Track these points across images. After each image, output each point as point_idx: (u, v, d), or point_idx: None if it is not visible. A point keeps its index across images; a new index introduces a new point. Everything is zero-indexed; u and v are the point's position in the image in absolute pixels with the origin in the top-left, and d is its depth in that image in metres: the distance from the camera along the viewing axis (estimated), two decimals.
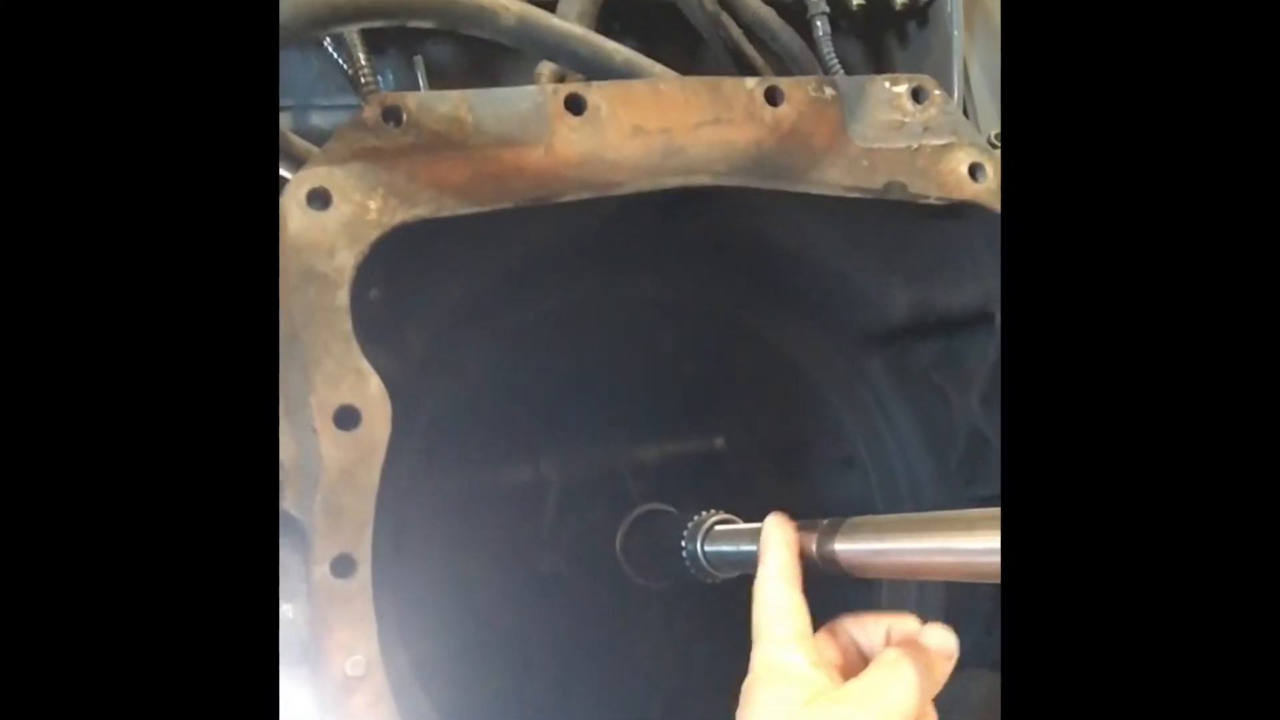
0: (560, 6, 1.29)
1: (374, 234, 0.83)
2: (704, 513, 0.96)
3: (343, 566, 0.78)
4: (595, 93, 0.91)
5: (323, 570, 0.78)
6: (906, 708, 0.65)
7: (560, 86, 0.91)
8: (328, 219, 0.82)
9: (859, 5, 1.52)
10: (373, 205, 0.83)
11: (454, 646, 1.15)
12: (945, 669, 0.70)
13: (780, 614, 0.72)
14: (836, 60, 1.44)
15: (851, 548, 0.77)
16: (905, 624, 0.75)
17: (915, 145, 1.00)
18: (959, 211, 1.02)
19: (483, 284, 1.07)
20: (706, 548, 0.94)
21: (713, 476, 1.44)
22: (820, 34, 1.45)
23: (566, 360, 1.30)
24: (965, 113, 1.57)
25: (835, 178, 0.97)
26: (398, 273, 0.91)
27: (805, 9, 1.47)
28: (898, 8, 1.55)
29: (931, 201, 1.00)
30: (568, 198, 0.89)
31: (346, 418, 0.80)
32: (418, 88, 1.32)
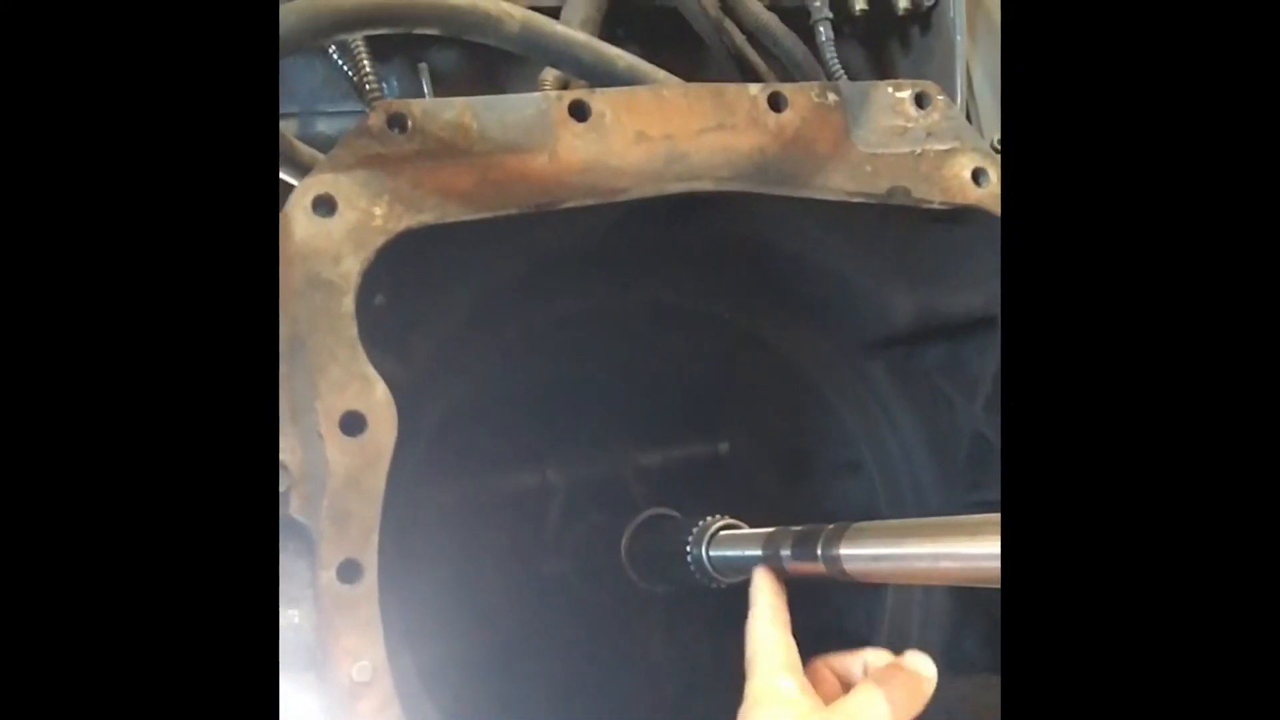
0: (564, 13, 1.29)
1: (379, 240, 0.83)
2: (709, 517, 0.96)
3: (349, 572, 0.78)
4: (599, 99, 0.92)
5: (329, 576, 0.78)
6: None
7: (564, 93, 0.91)
8: (333, 226, 0.83)
9: (862, 11, 1.52)
10: (378, 212, 0.84)
11: (459, 651, 1.15)
12: (926, 690, 0.76)
13: (771, 649, 0.78)
14: (839, 66, 1.44)
15: (856, 553, 0.78)
16: (880, 655, 0.82)
17: (918, 150, 1.00)
18: (962, 216, 1.02)
19: (488, 290, 1.07)
20: (711, 552, 0.94)
21: (717, 481, 1.44)
22: (823, 39, 1.46)
23: (571, 365, 1.30)
24: (968, 117, 1.57)
25: (839, 183, 0.98)
26: (403, 279, 0.92)
27: (808, 15, 1.47)
28: (900, 13, 1.56)
29: (935, 206, 1.00)
30: (572, 204, 0.90)
31: (352, 423, 0.80)
32: (422, 94, 1.33)
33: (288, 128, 1.29)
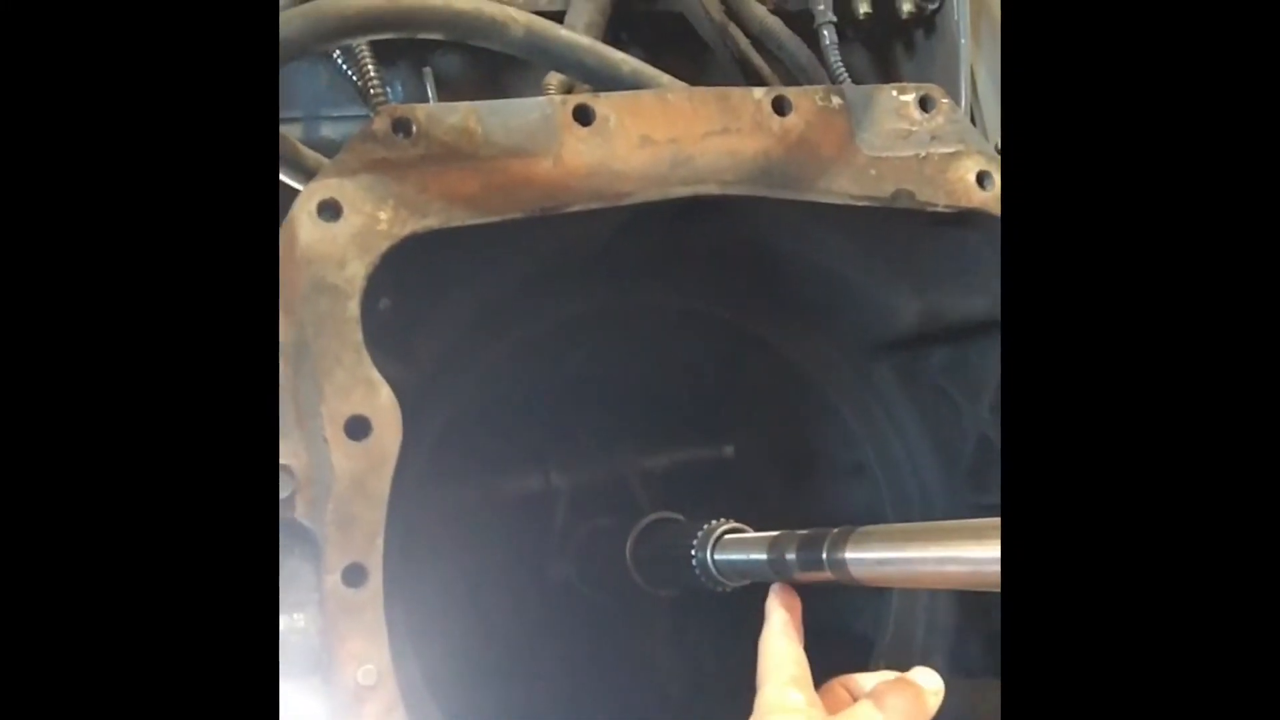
0: (568, 18, 1.30)
1: (384, 245, 0.83)
2: (713, 521, 0.96)
3: (354, 576, 0.78)
4: (603, 103, 0.92)
5: (334, 580, 0.78)
6: None
7: (568, 97, 0.91)
8: (338, 230, 0.83)
9: (866, 14, 1.52)
10: (383, 216, 0.84)
11: (464, 655, 1.15)
12: (931, 703, 0.77)
13: (783, 662, 0.78)
14: (844, 69, 1.44)
15: (861, 557, 0.78)
16: (889, 676, 0.82)
17: (923, 153, 1.00)
18: (967, 219, 1.02)
19: (492, 294, 1.08)
20: (716, 556, 0.94)
21: (722, 485, 1.44)
22: (827, 43, 1.46)
23: (576, 369, 1.30)
24: (972, 120, 1.57)
25: (843, 186, 0.98)
26: (408, 283, 0.92)
27: (812, 19, 1.47)
28: (904, 17, 1.56)
29: (939, 209, 1.00)
30: (576, 208, 0.90)
31: (357, 428, 0.81)
32: (427, 99, 1.33)
33: (292, 132, 1.30)
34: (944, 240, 1.07)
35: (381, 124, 0.86)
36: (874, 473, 1.37)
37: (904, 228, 1.05)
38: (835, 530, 0.80)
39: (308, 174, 1.02)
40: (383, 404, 0.81)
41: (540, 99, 0.91)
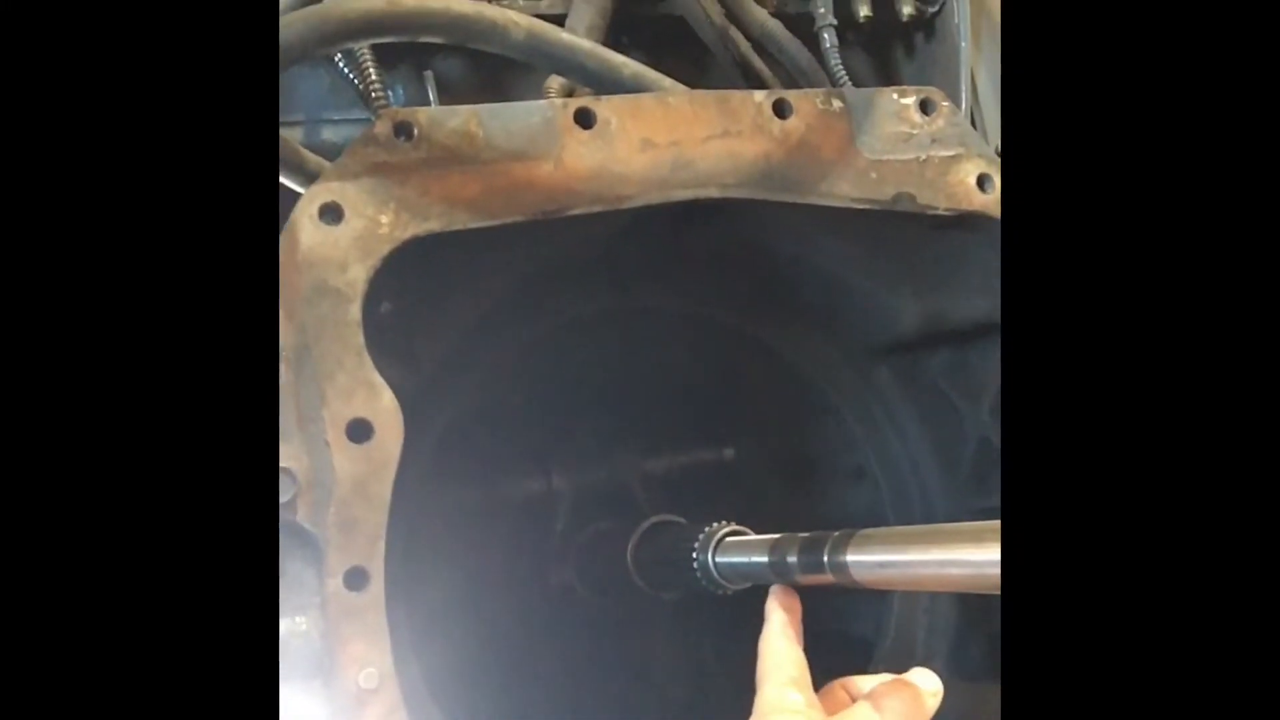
0: (569, 21, 1.30)
1: (386, 248, 0.84)
2: (715, 524, 0.96)
3: (356, 579, 0.79)
4: (604, 106, 0.92)
5: (336, 583, 0.78)
6: None
7: (569, 101, 0.92)
8: (340, 234, 0.83)
9: (866, 18, 1.52)
10: (384, 220, 0.84)
11: (466, 658, 1.15)
12: (929, 704, 0.78)
13: (782, 662, 0.79)
14: (844, 72, 1.44)
15: (862, 559, 0.78)
16: (888, 678, 0.82)
17: (923, 157, 1.00)
18: (967, 222, 1.02)
19: (494, 297, 1.08)
20: (717, 559, 0.94)
21: (723, 488, 1.44)
22: (827, 46, 1.46)
23: (577, 373, 1.30)
24: (973, 124, 1.57)
25: (844, 189, 0.98)
26: (409, 286, 0.92)
27: (812, 22, 1.47)
28: (904, 20, 1.56)
29: (940, 212, 1.00)
30: (578, 211, 0.90)
31: (359, 431, 0.81)
32: (428, 103, 1.33)
33: (294, 136, 1.30)
34: (944, 243, 1.07)
35: (383, 127, 0.86)
36: (875, 475, 1.37)
37: (904, 231, 1.05)
38: (836, 533, 0.80)
39: (309, 177, 1.02)
40: (384, 407, 0.81)
41: (541, 102, 0.91)
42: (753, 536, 0.94)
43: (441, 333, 1.06)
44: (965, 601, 1.28)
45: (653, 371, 1.36)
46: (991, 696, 1.10)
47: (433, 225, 0.85)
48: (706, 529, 0.96)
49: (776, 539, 0.87)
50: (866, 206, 0.99)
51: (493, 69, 1.37)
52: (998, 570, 0.63)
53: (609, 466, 1.38)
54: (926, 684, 0.79)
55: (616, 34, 1.35)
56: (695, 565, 0.95)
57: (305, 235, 0.82)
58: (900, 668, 0.84)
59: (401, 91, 1.35)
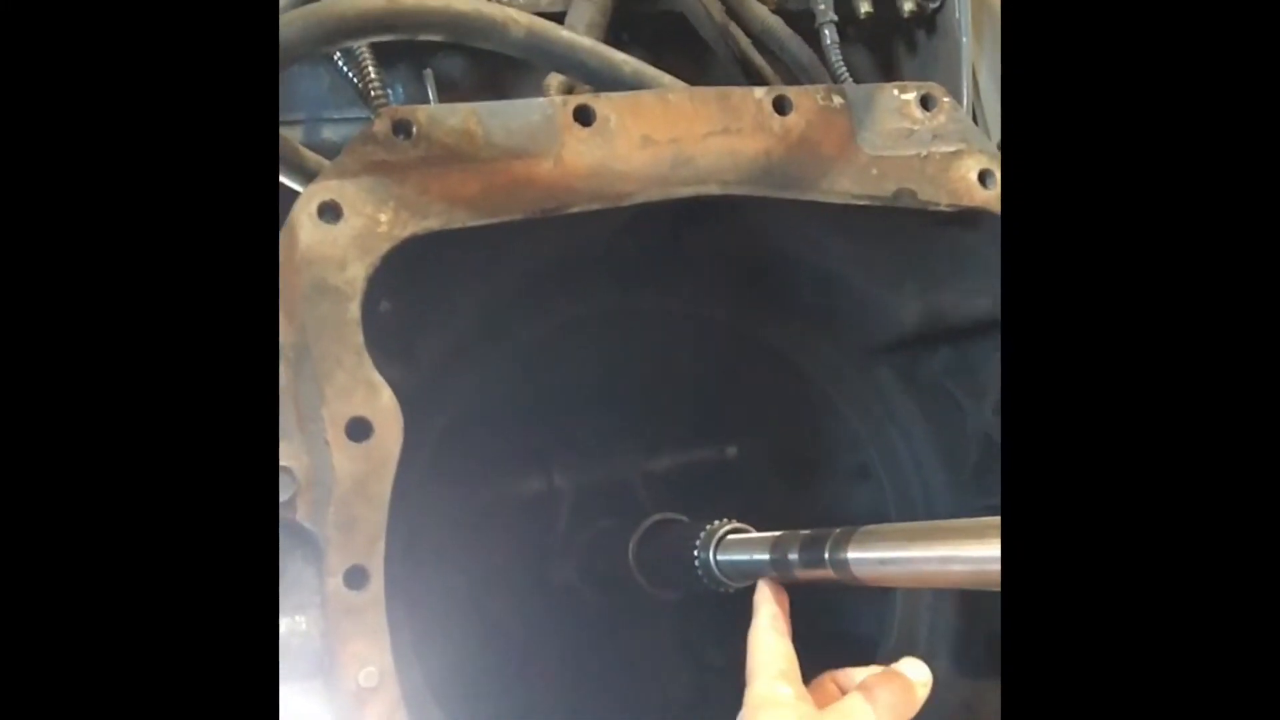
0: (569, 18, 1.30)
1: (385, 247, 0.83)
2: (716, 522, 0.96)
3: (356, 578, 0.78)
4: (604, 104, 0.92)
5: (336, 582, 0.78)
6: None
7: (569, 98, 0.91)
8: (339, 232, 0.83)
9: (867, 14, 1.52)
10: (383, 218, 0.84)
11: (467, 657, 1.15)
12: (921, 694, 0.78)
13: (772, 656, 0.79)
14: (845, 69, 1.44)
15: (863, 556, 0.77)
16: (878, 670, 0.83)
17: (924, 153, 1.00)
18: (969, 219, 1.02)
19: (494, 295, 1.07)
20: (719, 557, 0.94)
21: (725, 486, 1.43)
22: (828, 43, 1.45)
23: (578, 371, 1.30)
24: (974, 119, 1.57)
25: (845, 186, 0.97)
26: (409, 285, 0.92)
27: (813, 18, 1.47)
28: (906, 16, 1.55)
29: (942, 209, 1.00)
30: (578, 209, 0.90)
31: (358, 429, 0.80)
32: (427, 101, 1.33)
33: (294, 135, 1.30)
34: (946, 240, 1.07)
35: (382, 125, 0.86)
36: (877, 474, 1.36)
37: (906, 227, 1.05)
38: (838, 530, 0.80)
39: (309, 176, 1.02)
40: (384, 406, 0.81)
41: (541, 100, 0.91)
42: (754, 534, 0.94)
43: (441, 331, 1.05)
44: (968, 599, 1.28)
45: (654, 369, 1.36)
46: (994, 694, 1.10)
47: (432, 223, 0.85)
48: (708, 527, 0.96)
49: (778, 536, 0.87)
50: (867, 203, 0.98)
51: (493, 67, 1.37)
52: (998, 567, 0.63)
53: (610, 465, 1.38)
54: (916, 674, 0.79)
55: (616, 31, 1.35)
56: (697, 563, 0.95)
57: (304, 234, 0.82)
58: None
59: (401, 90, 1.35)
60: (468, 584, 1.26)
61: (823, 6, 1.47)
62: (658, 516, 1.18)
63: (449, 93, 1.35)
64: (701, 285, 1.25)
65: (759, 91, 0.97)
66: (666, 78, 1.08)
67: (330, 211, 0.83)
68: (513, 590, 1.34)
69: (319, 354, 0.81)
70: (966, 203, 1.00)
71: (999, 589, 0.63)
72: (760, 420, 1.44)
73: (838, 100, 0.99)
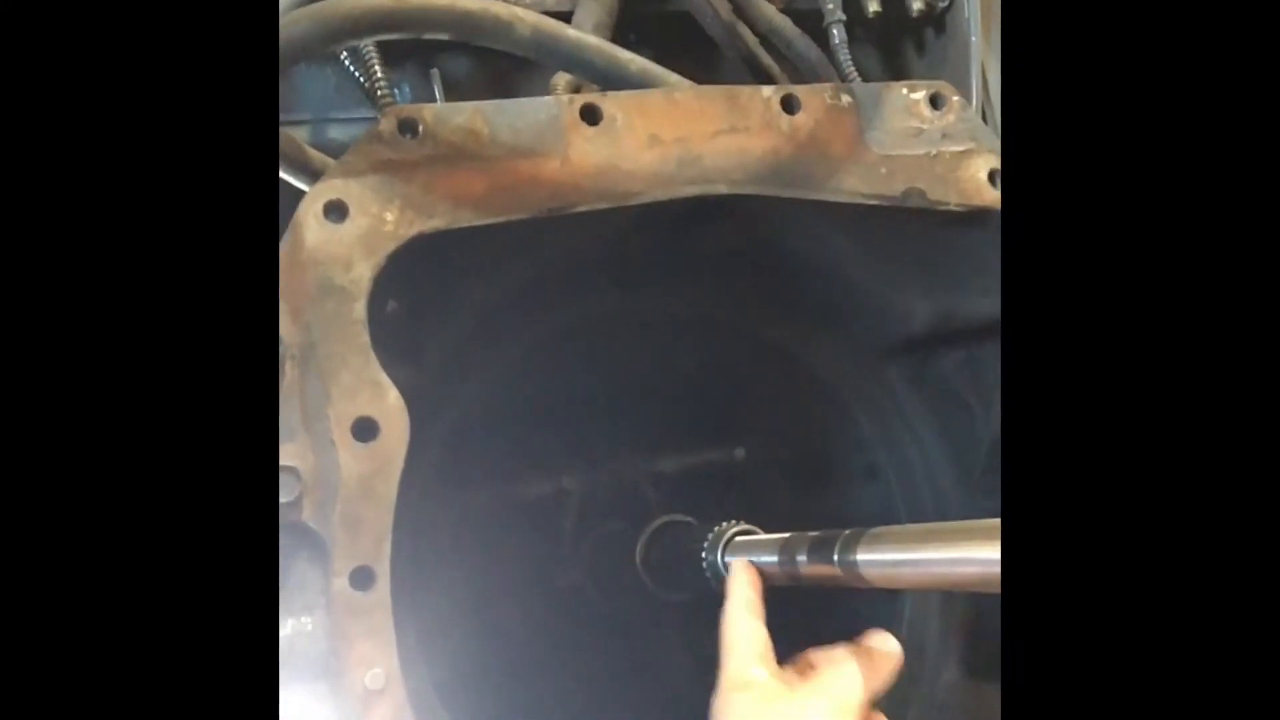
0: (576, 17, 1.29)
1: (391, 246, 0.83)
2: (724, 524, 0.96)
3: (362, 579, 0.78)
4: (611, 102, 0.91)
5: (342, 583, 0.77)
6: (854, 698, 0.75)
7: (575, 97, 0.91)
8: (345, 231, 0.82)
9: (875, 13, 1.51)
10: (389, 217, 0.84)
11: (474, 659, 1.14)
12: (890, 666, 0.79)
13: (745, 638, 0.80)
14: (853, 68, 1.43)
15: (872, 558, 0.77)
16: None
17: (934, 152, 0.99)
18: (978, 218, 1.01)
19: (501, 295, 1.07)
20: (727, 559, 0.93)
21: (733, 487, 1.43)
22: (837, 42, 1.44)
23: (586, 371, 1.29)
24: (984, 119, 1.56)
25: (853, 185, 0.97)
26: (415, 285, 0.91)
27: (821, 17, 1.46)
28: (914, 15, 1.54)
29: (951, 208, 0.99)
30: (584, 208, 0.89)
31: (364, 429, 0.80)
32: (434, 100, 1.33)
33: (300, 134, 1.29)
34: (955, 240, 1.06)
35: (388, 124, 0.85)
36: (886, 476, 1.36)
37: (915, 227, 1.04)
38: (847, 532, 0.80)
39: (315, 176, 1.01)
40: (390, 406, 0.81)
41: (547, 99, 0.90)
42: (762, 536, 0.93)
43: (448, 331, 1.05)
44: (979, 603, 1.27)
45: (662, 370, 1.36)
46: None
47: (438, 223, 0.85)
48: (716, 529, 0.96)
49: (786, 538, 0.86)
50: (876, 202, 0.98)
51: (500, 67, 1.37)
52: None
53: (618, 467, 1.38)
54: (885, 646, 0.80)
55: (624, 31, 1.34)
56: (704, 565, 0.95)
57: (310, 233, 0.82)
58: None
59: (408, 89, 1.35)
60: (474, 586, 1.26)
61: (831, 6, 1.46)
62: (665, 518, 1.18)
63: (455, 92, 1.35)
64: (709, 285, 1.25)
65: (767, 90, 0.97)
66: (674, 77, 1.07)
67: (336, 211, 0.83)
68: (519, 592, 1.33)
69: (325, 353, 0.80)
70: (976, 202, 0.99)
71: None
72: (768, 421, 1.43)
73: (846, 99, 0.98)
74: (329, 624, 0.77)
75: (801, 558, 0.82)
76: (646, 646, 1.39)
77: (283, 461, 0.78)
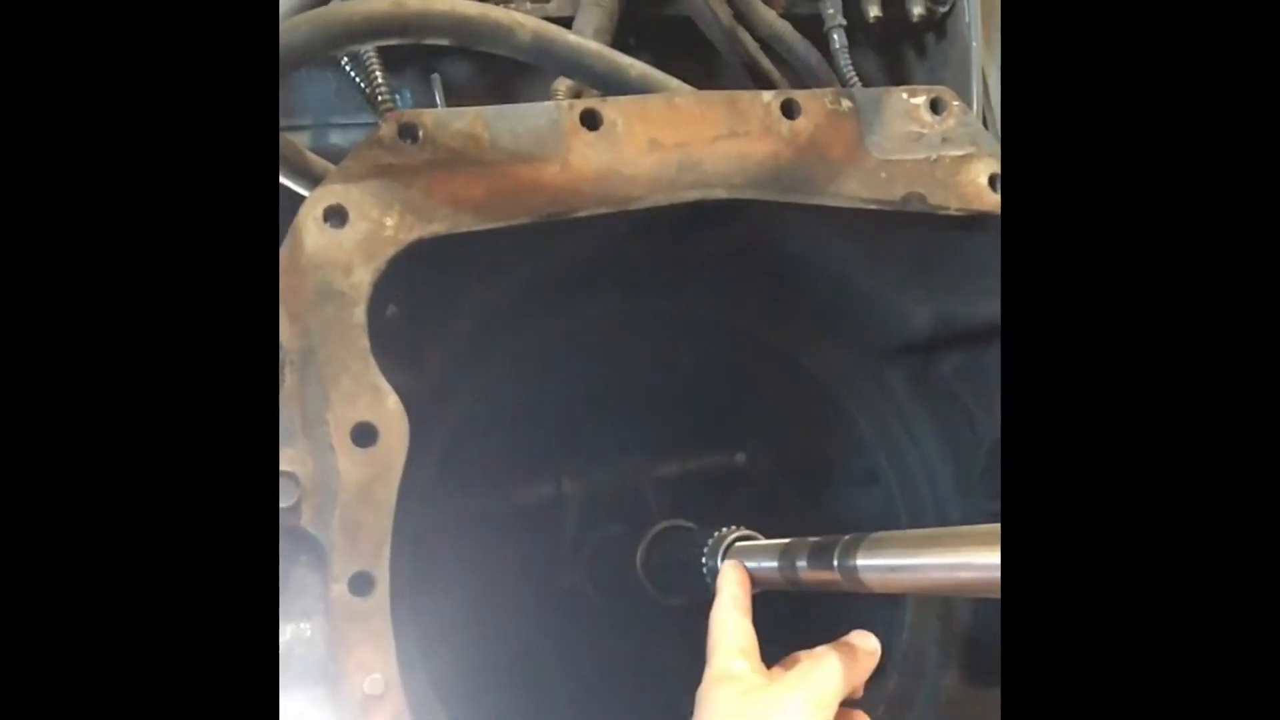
0: (576, 22, 1.29)
1: (391, 251, 0.83)
2: (725, 528, 0.95)
3: (361, 584, 0.78)
4: (611, 107, 0.91)
5: (341, 588, 0.77)
6: (832, 690, 0.76)
7: (576, 102, 0.91)
8: (345, 236, 0.82)
9: (876, 18, 1.51)
10: (389, 222, 0.84)
11: (473, 665, 1.14)
12: (869, 662, 0.79)
13: (730, 634, 0.81)
14: (854, 73, 1.44)
15: (872, 563, 0.77)
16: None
17: (934, 156, 0.99)
18: (978, 223, 1.01)
19: (501, 300, 1.07)
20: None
21: (734, 492, 1.43)
22: (837, 47, 1.45)
23: (586, 376, 1.29)
24: (984, 124, 1.56)
25: (853, 190, 0.97)
26: (415, 289, 0.91)
27: (822, 22, 1.46)
28: (915, 20, 1.54)
29: (951, 212, 0.99)
30: (584, 213, 0.89)
31: (364, 435, 0.80)
32: (435, 105, 1.33)
33: (301, 140, 1.30)
34: (955, 244, 1.06)
35: (388, 129, 0.86)
36: (887, 479, 1.35)
37: (915, 231, 1.04)
38: (847, 537, 0.80)
39: (315, 181, 1.01)
40: (389, 411, 0.81)
41: (547, 104, 0.91)
42: (762, 541, 0.93)
43: (448, 336, 1.05)
44: (979, 608, 1.27)
45: (663, 375, 1.36)
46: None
47: (438, 228, 0.85)
48: (716, 533, 0.95)
49: (786, 544, 0.86)
50: (876, 207, 0.98)
51: (500, 72, 1.37)
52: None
53: (619, 471, 1.38)
54: (865, 644, 0.80)
55: (624, 36, 1.35)
56: (705, 570, 0.95)
57: (310, 238, 0.82)
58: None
59: (409, 95, 1.35)
60: (474, 590, 1.26)
61: (831, 11, 1.46)
62: (666, 523, 1.18)
63: (456, 98, 1.35)
64: (709, 289, 1.25)
65: (767, 95, 0.97)
66: (674, 82, 1.07)
67: (336, 216, 0.83)
68: (520, 597, 1.33)
69: (324, 358, 0.80)
70: (976, 207, 0.99)
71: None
72: (769, 425, 1.43)
73: (846, 104, 0.98)
74: (328, 629, 0.77)
75: (801, 563, 0.82)
76: (646, 650, 1.39)
77: (282, 466, 0.78)
